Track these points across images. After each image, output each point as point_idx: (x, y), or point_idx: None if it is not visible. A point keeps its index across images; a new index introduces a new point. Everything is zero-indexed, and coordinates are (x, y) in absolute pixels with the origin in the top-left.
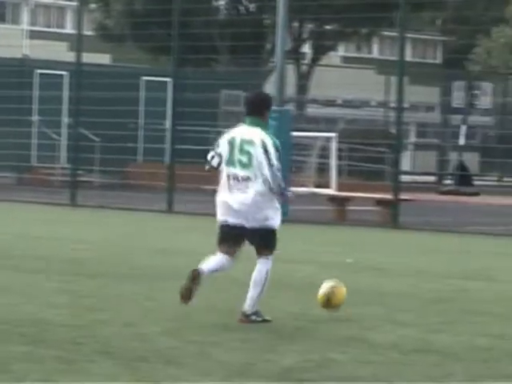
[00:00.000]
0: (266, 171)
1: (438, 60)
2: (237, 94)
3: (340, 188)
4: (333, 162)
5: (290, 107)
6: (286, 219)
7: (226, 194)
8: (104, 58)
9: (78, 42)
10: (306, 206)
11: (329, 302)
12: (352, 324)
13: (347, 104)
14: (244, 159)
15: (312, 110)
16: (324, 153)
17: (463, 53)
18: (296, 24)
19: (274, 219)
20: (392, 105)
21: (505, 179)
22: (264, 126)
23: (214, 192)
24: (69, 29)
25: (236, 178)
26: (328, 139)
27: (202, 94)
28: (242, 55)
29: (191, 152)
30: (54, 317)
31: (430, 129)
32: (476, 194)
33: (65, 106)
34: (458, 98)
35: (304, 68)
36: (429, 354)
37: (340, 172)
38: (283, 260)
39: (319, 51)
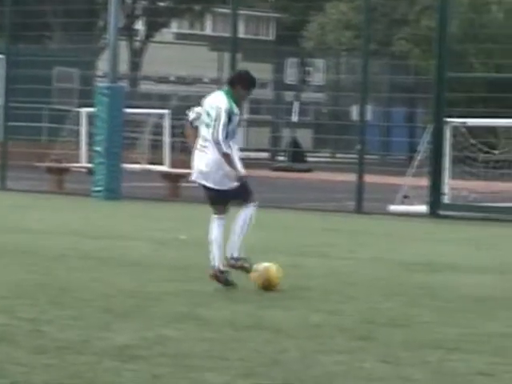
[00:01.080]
0: (210, 130)
1: (271, 37)
2: (70, 71)
3: (173, 165)
4: (166, 139)
5: (123, 84)
6: (119, 196)
7: (196, 152)
8: None
9: None
10: (140, 182)
11: (267, 284)
12: (186, 301)
13: (180, 81)
14: (207, 120)
15: (145, 87)
16: (157, 130)
17: (296, 29)
18: (129, 0)
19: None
20: (225, 82)
21: (337, 155)
22: (232, 96)
23: (47, 169)
24: None
25: (204, 138)
26: (161, 116)
27: (34, 70)
28: (75, 32)
29: (24, 129)
30: None
31: (263, 105)
32: (309, 170)
33: None
34: (290, 74)
35: (137, 45)
36: (262, 330)
37: (173, 149)
38: (117, 237)
39: (152, 28)
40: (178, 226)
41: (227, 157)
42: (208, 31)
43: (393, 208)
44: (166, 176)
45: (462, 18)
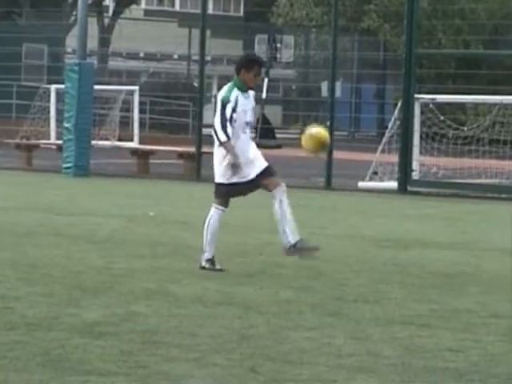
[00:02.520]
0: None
1: (241, 13)
2: (39, 48)
3: (143, 141)
4: (135, 116)
5: (93, 60)
6: (88, 173)
7: None
8: None
9: None
10: (109, 159)
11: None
12: (155, 277)
13: (150, 57)
14: None
15: (114, 63)
16: (126, 106)
17: (266, 6)
18: None
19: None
20: (194, 58)
21: None
22: (236, 83)
23: (16, 146)
24: None
25: None
26: (130, 92)
27: (4, 47)
28: (44, 8)
29: None
30: None
31: None
32: (278, 146)
33: None
34: (260, 51)
35: (106, 21)
36: (231, 306)
37: (143, 125)
38: (86, 214)
39: (121, 4)
40: (147, 203)
41: (224, 144)
42: (177, 7)
43: (362, 184)
44: (135, 152)
45: None
